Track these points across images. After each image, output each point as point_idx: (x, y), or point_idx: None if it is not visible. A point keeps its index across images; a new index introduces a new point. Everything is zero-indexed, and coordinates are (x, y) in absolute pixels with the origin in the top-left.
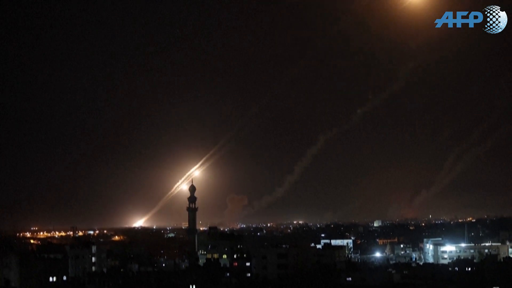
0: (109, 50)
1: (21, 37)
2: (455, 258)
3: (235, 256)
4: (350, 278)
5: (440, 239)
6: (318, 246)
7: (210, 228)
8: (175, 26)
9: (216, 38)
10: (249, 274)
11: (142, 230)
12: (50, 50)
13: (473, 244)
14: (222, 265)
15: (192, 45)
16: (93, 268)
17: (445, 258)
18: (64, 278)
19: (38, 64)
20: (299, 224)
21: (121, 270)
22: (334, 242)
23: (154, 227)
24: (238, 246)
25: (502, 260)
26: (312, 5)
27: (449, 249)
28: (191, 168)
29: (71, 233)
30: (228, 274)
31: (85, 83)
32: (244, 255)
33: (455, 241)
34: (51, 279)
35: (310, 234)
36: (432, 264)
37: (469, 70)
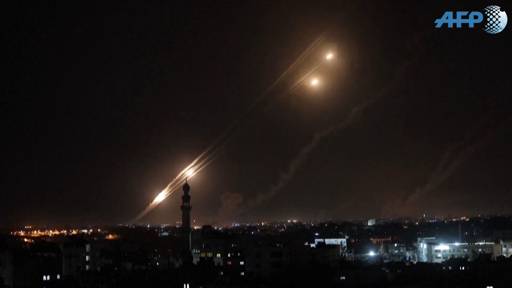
0: (109, 50)
1: (22, 37)
2: (448, 257)
3: (229, 255)
4: (343, 277)
5: (434, 238)
6: (312, 245)
7: (204, 226)
8: (175, 26)
9: (210, 36)
10: (243, 273)
11: (136, 228)
12: (50, 50)
13: (467, 243)
14: (216, 264)
15: (190, 45)
16: (87, 267)
17: (439, 257)
18: (58, 276)
19: (35, 64)
20: (293, 223)
21: (115, 268)
22: (328, 241)
23: (148, 226)
24: (232, 245)
25: (495, 259)
26: (307, 3)
27: (443, 248)
28: (185, 167)
29: (65, 231)
30: (222, 272)
31: (84, 84)
32: (238, 254)
33: (449, 240)
34: (45, 277)
35: (304, 233)
36: (425, 263)
37: (464, 69)
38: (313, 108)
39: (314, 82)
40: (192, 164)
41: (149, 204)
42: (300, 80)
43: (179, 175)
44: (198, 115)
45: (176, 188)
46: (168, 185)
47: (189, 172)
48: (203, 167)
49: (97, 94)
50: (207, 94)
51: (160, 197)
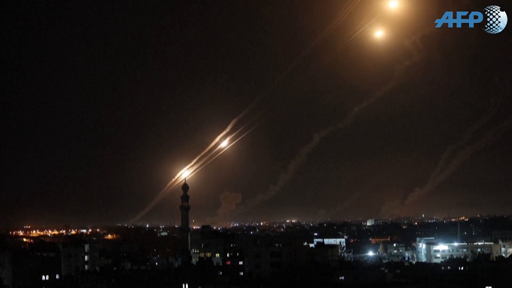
0: (109, 49)
1: (22, 37)
2: (448, 257)
3: (228, 255)
4: (343, 277)
5: (433, 238)
6: (311, 245)
7: (203, 226)
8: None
9: (208, 36)
10: (242, 273)
11: (135, 228)
12: (50, 50)
13: (466, 243)
14: (215, 264)
15: (188, 45)
16: (86, 267)
17: (438, 257)
18: (57, 276)
19: (35, 64)
20: (292, 223)
21: (114, 268)
22: (327, 241)
23: (147, 226)
24: (231, 245)
25: (494, 259)
26: (306, 4)
27: (442, 248)
28: (184, 167)
29: (64, 231)
30: (221, 272)
31: (80, 83)
32: (237, 254)
33: (448, 240)
34: (44, 277)
35: (303, 233)
36: (424, 263)
37: (464, 68)
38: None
39: (379, 33)
40: (191, 164)
41: (148, 204)
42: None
43: (178, 175)
44: (196, 116)
45: (175, 188)
46: (167, 186)
47: (187, 172)
48: (202, 167)
49: (98, 94)
50: (205, 94)
51: (159, 197)
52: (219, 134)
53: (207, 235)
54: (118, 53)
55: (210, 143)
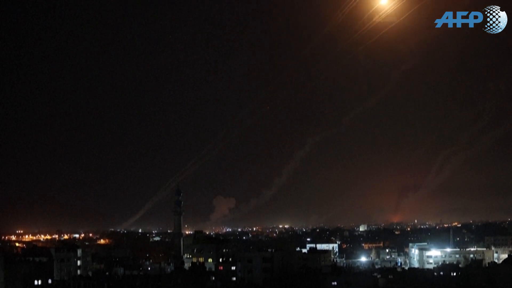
0: (109, 49)
1: (22, 37)
2: (440, 263)
3: (220, 260)
4: (335, 282)
5: (426, 243)
6: (304, 250)
7: (195, 231)
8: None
9: (207, 40)
10: (234, 278)
11: (128, 233)
12: (50, 50)
13: (458, 249)
14: (207, 269)
15: (185, 46)
16: (78, 272)
17: (430, 263)
18: (49, 281)
19: (28, 64)
20: (285, 228)
21: (106, 273)
22: (319, 246)
23: (140, 231)
24: (224, 250)
25: (487, 265)
26: (301, 7)
27: (434, 254)
28: (178, 172)
29: (57, 236)
30: (213, 278)
31: (69, 83)
32: (230, 259)
33: (440, 246)
34: (36, 282)
35: (296, 238)
36: (417, 269)
37: (457, 74)
38: None
39: None
40: (184, 169)
41: (141, 209)
42: None
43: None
44: (193, 118)
45: (168, 193)
46: (160, 191)
47: (179, 177)
48: (196, 172)
49: (95, 99)
50: (203, 95)
51: (152, 202)
52: (213, 137)
53: (200, 240)
54: (119, 52)
55: (207, 145)
